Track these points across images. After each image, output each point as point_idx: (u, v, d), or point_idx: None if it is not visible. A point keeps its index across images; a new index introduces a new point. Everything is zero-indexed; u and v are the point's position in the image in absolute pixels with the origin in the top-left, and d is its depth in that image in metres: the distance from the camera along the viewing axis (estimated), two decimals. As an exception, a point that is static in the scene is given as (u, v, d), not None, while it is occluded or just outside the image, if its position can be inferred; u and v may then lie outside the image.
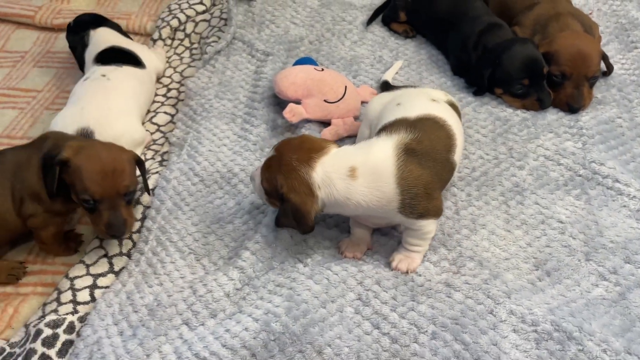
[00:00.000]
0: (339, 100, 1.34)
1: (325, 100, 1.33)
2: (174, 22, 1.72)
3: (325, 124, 1.35)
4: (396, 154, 0.99)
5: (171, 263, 1.10)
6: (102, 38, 1.51)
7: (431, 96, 1.18)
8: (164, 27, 1.71)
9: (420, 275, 1.01)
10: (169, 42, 1.71)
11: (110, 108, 1.30)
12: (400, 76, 1.48)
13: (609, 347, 0.88)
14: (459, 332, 0.91)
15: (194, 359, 0.90)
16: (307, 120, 1.34)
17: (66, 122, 1.27)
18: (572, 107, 1.33)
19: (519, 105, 1.36)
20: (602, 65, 1.40)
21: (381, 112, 1.17)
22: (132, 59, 1.47)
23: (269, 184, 1.00)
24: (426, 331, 0.91)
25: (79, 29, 1.56)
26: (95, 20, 1.57)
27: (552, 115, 1.33)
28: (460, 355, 0.88)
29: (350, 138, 1.33)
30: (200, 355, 0.90)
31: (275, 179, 0.98)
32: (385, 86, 1.41)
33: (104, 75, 1.35)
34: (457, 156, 1.09)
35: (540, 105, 1.34)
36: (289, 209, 0.97)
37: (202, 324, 0.97)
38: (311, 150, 0.99)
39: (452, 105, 1.19)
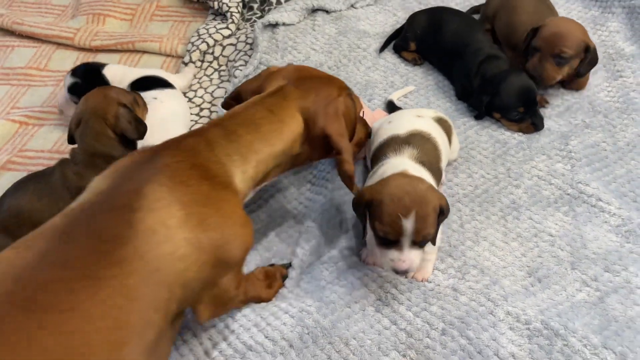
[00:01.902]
0: None
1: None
2: (203, 46, 1.88)
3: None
4: (417, 169, 1.15)
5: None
6: (119, 72, 1.63)
7: (418, 113, 1.34)
8: (194, 51, 1.87)
9: (430, 282, 1.19)
10: (198, 64, 1.87)
11: (172, 126, 1.48)
12: (410, 100, 1.65)
13: (589, 342, 1.06)
14: (464, 329, 1.08)
15: (242, 346, 1.07)
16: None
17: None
18: (531, 74, 1.52)
19: (516, 129, 1.53)
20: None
21: (377, 131, 1.33)
22: (164, 82, 1.63)
23: None
24: (437, 328, 1.09)
25: (88, 73, 1.60)
26: (97, 65, 1.65)
27: (545, 139, 1.50)
28: (466, 348, 1.06)
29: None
30: (247, 344, 1.08)
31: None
32: (390, 106, 1.57)
33: (155, 98, 1.52)
34: (443, 164, 1.28)
35: (534, 129, 1.52)
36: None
37: (245, 316, 1.13)
38: None
39: (441, 120, 1.35)
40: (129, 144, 1.36)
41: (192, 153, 0.95)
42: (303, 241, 1.27)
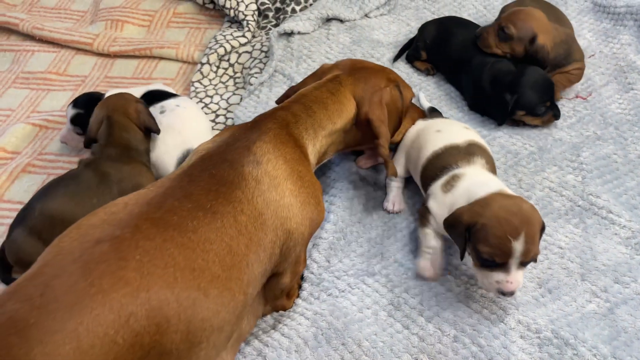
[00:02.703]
0: None
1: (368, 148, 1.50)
2: (221, 50, 1.91)
3: (357, 152, 1.53)
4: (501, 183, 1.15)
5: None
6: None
7: (463, 125, 1.37)
8: (212, 53, 1.90)
9: (442, 285, 1.21)
10: (214, 68, 1.90)
11: (200, 129, 1.52)
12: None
13: (598, 352, 1.07)
14: (475, 337, 1.10)
15: (259, 344, 1.11)
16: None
17: (169, 149, 1.45)
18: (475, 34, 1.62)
19: (539, 123, 1.55)
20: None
21: (417, 139, 1.33)
22: (170, 93, 1.63)
23: None
24: (448, 334, 1.11)
25: (90, 103, 1.54)
26: (97, 94, 1.63)
27: (557, 150, 1.52)
28: (477, 355, 1.08)
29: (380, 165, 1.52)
30: (264, 340, 1.11)
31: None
32: (433, 111, 1.54)
33: (178, 106, 1.55)
34: None
35: (555, 118, 1.55)
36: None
37: (264, 321, 1.16)
38: None
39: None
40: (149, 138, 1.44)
41: (285, 123, 1.11)
42: (315, 252, 1.30)
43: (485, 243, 1.02)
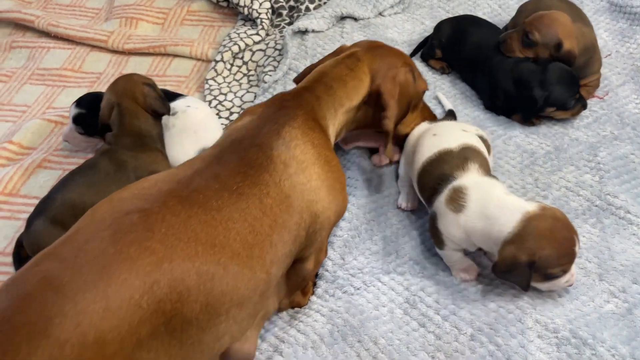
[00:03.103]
0: None
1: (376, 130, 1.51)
2: (235, 48, 1.91)
3: (373, 150, 1.54)
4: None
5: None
6: None
7: (462, 127, 1.34)
8: (226, 51, 1.91)
9: (458, 285, 1.20)
10: (228, 66, 1.91)
11: (214, 127, 1.52)
12: (439, 108, 1.67)
13: (617, 352, 1.06)
14: (493, 335, 1.09)
15: (275, 340, 1.11)
16: (358, 147, 1.53)
17: (186, 148, 1.45)
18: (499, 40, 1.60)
19: (570, 115, 1.55)
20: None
21: (416, 143, 1.32)
22: (175, 93, 1.63)
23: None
24: (465, 333, 1.10)
25: (93, 103, 1.53)
26: (101, 94, 1.58)
27: (573, 150, 1.51)
28: (494, 354, 1.07)
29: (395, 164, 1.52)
30: (280, 336, 1.11)
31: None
32: (449, 115, 1.54)
33: (188, 106, 1.55)
34: None
35: (583, 109, 1.55)
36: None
37: (280, 318, 1.17)
38: None
39: (482, 138, 1.34)
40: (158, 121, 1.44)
41: (311, 108, 1.13)
42: (330, 250, 1.29)
43: (554, 266, 1.07)
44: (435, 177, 1.21)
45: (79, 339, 0.76)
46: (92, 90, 1.88)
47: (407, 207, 1.39)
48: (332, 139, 1.19)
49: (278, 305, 1.11)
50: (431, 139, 1.29)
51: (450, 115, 1.54)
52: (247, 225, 0.93)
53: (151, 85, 1.45)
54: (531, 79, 1.52)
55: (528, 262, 1.05)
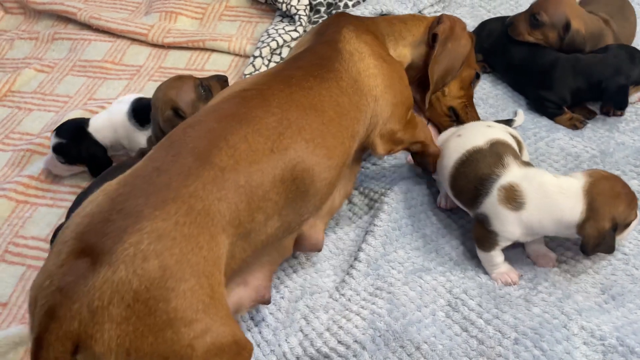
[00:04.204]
0: None
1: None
2: (273, 44, 1.91)
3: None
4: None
5: (285, 262, 1.30)
6: (103, 122, 1.52)
7: (486, 124, 1.33)
8: (264, 47, 1.91)
9: (501, 289, 1.18)
10: (266, 62, 1.91)
11: None
12: (480, 108, 1.64)
13: (667, 363, 1.03)
14: (538, 340, 1.07)
15: (316, 354, 1.10)
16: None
17: None
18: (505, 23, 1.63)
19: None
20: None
21: (443, 146, 1.31)
22: None
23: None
24: (509, 337, 1.08)
25: (72, 132, 1.51)
26: (80, 121, 1.56)
27: (620, 154, 1.47)
28: (539, 359, 1.05)
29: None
30: (322, 351, 1.10)
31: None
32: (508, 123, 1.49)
33: None
34: None
35: None
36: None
37: (317, 318, 1.16)
38: None
39: (511, 135, 1.29)
40: None
41: (362, 23, 1.30)
42: (370, 237, 1.29)
43: (630, 214, 1.11)
44: (473, 179, 1.19)
45: (233, 166, 0.91)
46: (132, 83, 1.90)
47: (446, 206, 1.37)
48: (399, 56, 1.35)
49: (346, 197, 1.27)
50: (456, 140, 1.28)
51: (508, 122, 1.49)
52: (332, 100, 1.10)
53: (178, 110, 1.34)
54: (604, 67, 1.48)
55: (611, 227, 1.09)
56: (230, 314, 0.86)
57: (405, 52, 1.37)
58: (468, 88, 1.50)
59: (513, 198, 1.13)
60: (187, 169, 0.87)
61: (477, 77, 1.51)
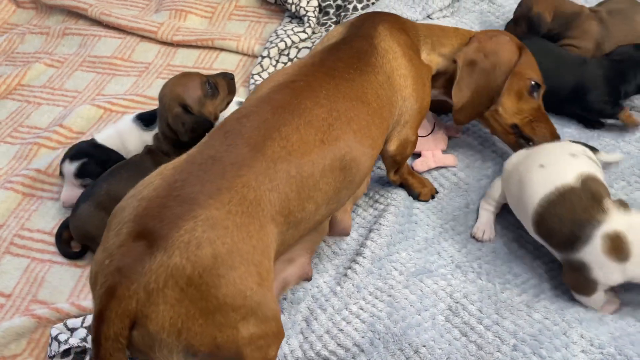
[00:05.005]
0: (428, 135, 1.53)
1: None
2: (281, 45, 1.92)
3: (414, 155, 1.53)
4: None
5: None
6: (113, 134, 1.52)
7: (569, 151, 1.19)
8: (273, 47, 1.92)
9: (502, 293, 1.19)
10: (274, 62, 1.92)
11: None
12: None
13: (666, 373, 1.03)
14: (537, 347, 1.07)
15: (316, 357, 1.11)
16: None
17: None
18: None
19: None
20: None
21: (516, 172, 1.19)
22: None
23: None
24: (508, 343, 1.09)
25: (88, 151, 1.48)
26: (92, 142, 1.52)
27: (625, 164, 1.46)
28: (537, 366, 1.05)
29: (437, 169, 1.51)
30: (321, 354, 1.11)
31: None
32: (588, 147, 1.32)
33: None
34: None
35: None
36: None
37: (316, 319, 1.17)
38: None
39: (591, 159, 1.21)
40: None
41: (399, 20, 1.32)
42: (375, 235, 1.30)
43: None
44: (569, 223, 1.09)
45: (285, 157, 0.95)
46: (140, 79, 1.91)
47: (483, 238, 1.28)
48: (429, 62, 1.34)
49: (366, 187, 1.32)
50: (540, 173, 1.16)
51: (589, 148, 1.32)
52: (374, 92, 1.13)
53: (186, 106, 1.34)
54: (620, 64, 1.51)
55: None
56: (275, 299, 0.90)
57: (437, 59, 1.36)
58: (529, 100, 1.35)
59: (619, 249, 1.05)
60: (241, 159, 0.91)
61: (537, 86, 1.35)
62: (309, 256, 1.13)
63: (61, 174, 1.48)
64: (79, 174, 1.45)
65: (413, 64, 1.24)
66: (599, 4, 1.76)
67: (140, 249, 0.80)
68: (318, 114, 1.02)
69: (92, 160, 1.45)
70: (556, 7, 1.65)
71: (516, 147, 1.37)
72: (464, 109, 1.35)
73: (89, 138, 1.54)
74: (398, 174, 1.38)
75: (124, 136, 1.50)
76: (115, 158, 1.48)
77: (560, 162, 1.17)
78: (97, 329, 0.79)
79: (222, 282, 0.81)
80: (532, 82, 1.34)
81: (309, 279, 1.15)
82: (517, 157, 1.27)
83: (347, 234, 1.23)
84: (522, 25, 1.67)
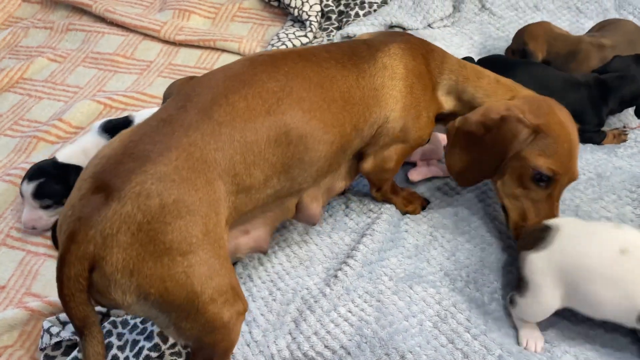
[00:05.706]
0: (424, 145, 1.54)
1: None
2: (283, 48, 1.94)
3: (409, 164, 1.54)
4: None
5: (279, 265, 1.32)
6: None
7: (622, 247, 1.03)
8: (273, 51, 1.94)
9: (490, 305, 1.20)
10: (274, 66, 1.93)
11: None
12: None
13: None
14: (521, 359, 1.09)
15: (303, 358, 1.13)
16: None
17: None
18: None
19: None
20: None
21: (582, 267, 1.03)
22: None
23: None
24: (494, 354, 1.10)
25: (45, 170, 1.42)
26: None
27: (616, 178, 1.48)
28: (521, 377, 1.07)
29: (435, 179, 1.52)
30: (309, 355, 1.13)
31: None
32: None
33: None
34: None
35: None
36: None
37: (305, 320, 1.18)
38: None
39: None
40: None
41: (426, 48, 1.29)
42: (368, 240, 1.32)
43: None
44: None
45: (230, 122, 0.99)
46: (141, 77, 1.93)
47: (535, 349, 1.11)
48: (441, 100, 1.30)
49: (344, 187, 1.30)
50: (630, 261, 1.01)
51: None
52: (345, 86, 1.14)
53: None
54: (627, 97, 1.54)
55: None
56: (228, 257, 0.97)
57: (452, 103, 1.29)
58: (532, 187, 1.18)
59: None
60: (189, 121, 0.98)
61: (540, 178, 1.16)
62: (267, 230, 1.18)
63: (21, 194, 1.41)
64: (37, 194, 1.38)
65: (412, 93, 1.21)
66: (598, 29, 1.76)
67: (98, 200, 0.88)
68: (270, 88, 1.05)
69: (51, 180, 1.38)
70: (549, 47, 1.71)
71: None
72: (462, 174, 1.27)
73: (51, 157, 1.48)
74: (380, 192, 1.39)
75: (90, 152, 1.41)
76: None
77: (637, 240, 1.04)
78: (59, 271, 0.87)
79: (168, 229, 0.88)
80: (538, 172, 1.16)
81: (263, 252, 1.20)
82: (569, 231, 1.09)
83: (314, 223, 1.26)
84: (517, 56, 1.74)
